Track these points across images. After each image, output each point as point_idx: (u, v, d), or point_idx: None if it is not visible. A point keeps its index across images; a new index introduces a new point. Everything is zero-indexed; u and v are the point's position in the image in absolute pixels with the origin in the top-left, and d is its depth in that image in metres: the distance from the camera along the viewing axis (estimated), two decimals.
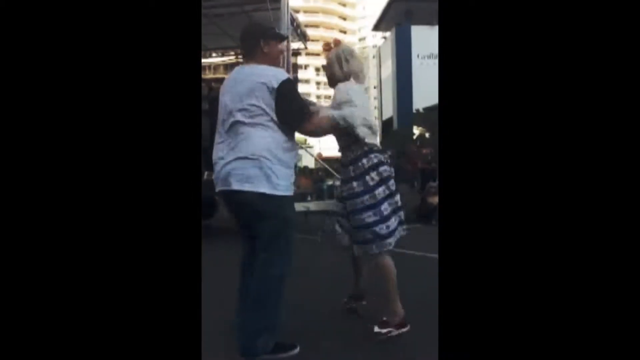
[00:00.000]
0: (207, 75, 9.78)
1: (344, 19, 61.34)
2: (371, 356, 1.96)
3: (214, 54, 8.09)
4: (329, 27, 58.76)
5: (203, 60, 8.68)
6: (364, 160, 2.11)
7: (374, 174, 2.09)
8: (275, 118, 1.84)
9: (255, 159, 1.79)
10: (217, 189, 1.92)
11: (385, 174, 2.11)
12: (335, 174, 9.94)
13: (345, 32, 61.54)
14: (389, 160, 2.17)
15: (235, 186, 1.81)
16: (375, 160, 2.10)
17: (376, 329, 2.11)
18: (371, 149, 2.12)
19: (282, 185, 1.85)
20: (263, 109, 1.82)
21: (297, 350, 1.91)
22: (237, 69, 2.01)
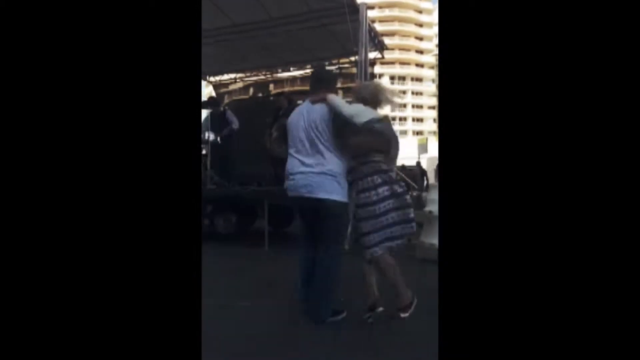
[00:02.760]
0: (285, 88, 10.11)
1: (420, 25, 60.31)
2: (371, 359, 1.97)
3: (292, 68, 8.37)
4: (405, 35, 58.10)
5: (283, 74, 9.00)
6: (375, 177, 2.46)
7: (381, 190, 2.43)
8: (336, 143, 2.37)
9: (333, 175, 2.38)
10: (295, 194, 2.48)
11: (387, 193, 2.44)
12: (411, 182, 9.75)
13: (421, 39, 60.48)
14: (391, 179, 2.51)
15: (320, 195, 2.38)
16: (380, 180, 2.45)
17: (403, 315, 2.41)
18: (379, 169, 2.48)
19: (346, 194, 2.44)
20: (328, 134, 2.38)
21: (344, 314, 2.44)
22: (306, 103, 2.58)
